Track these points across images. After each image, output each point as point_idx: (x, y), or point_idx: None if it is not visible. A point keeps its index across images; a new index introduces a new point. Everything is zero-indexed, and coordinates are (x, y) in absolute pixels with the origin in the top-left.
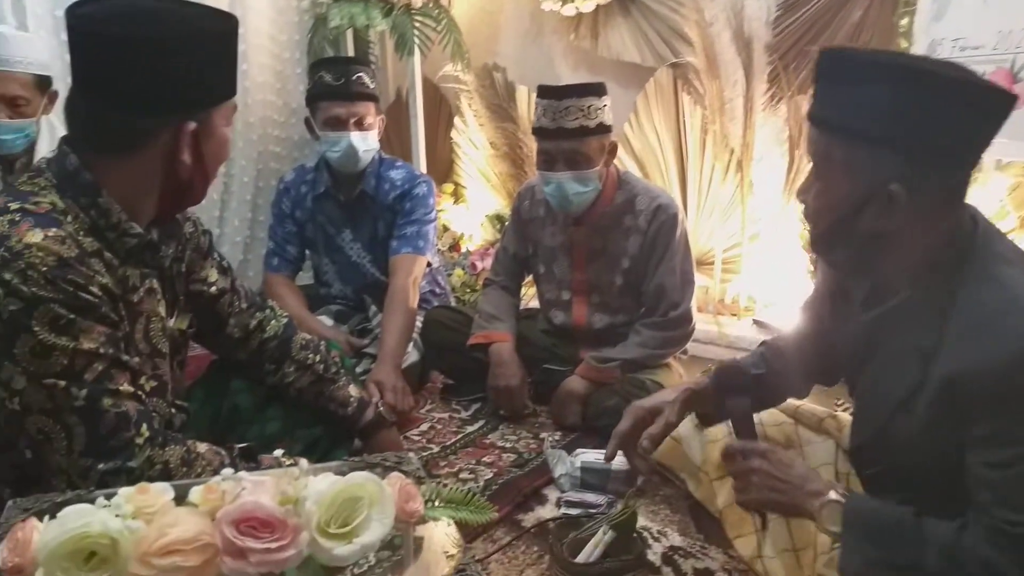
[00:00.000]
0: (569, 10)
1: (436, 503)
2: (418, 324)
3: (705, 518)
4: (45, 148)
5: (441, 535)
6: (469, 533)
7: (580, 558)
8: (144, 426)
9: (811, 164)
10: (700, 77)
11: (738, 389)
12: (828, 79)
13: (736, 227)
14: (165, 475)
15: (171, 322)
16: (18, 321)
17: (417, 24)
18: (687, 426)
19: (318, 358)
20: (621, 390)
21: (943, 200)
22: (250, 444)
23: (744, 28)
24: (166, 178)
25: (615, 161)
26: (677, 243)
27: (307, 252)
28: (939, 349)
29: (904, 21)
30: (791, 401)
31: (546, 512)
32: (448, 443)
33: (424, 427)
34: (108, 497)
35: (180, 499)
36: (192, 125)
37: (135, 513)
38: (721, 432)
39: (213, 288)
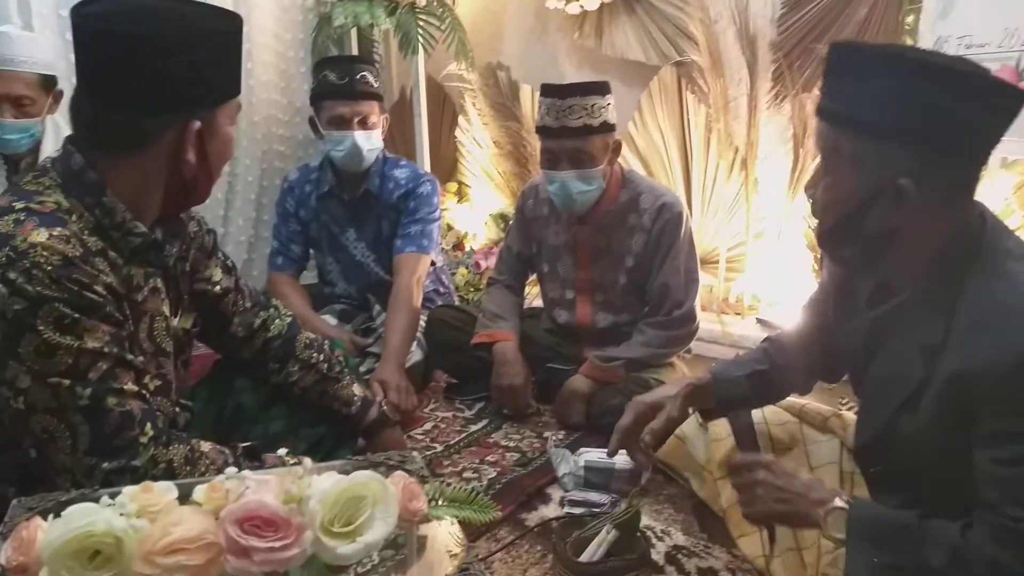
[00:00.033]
0: (573, 8)
1: (439, 502)
2: (422, 323)
3: (709, 517)
4: (50, 148)
5: (444, 534)
6: (472, 532)
7: (583, 557)
8: (148, 425)
9: (820, 158)
10: (704, 75)
11: (738, 403)
12: (838, 73)
13: (740, 226)
14: (169, 474)
15: (175, 321)
16: (23, 320)
17: (421, 23)
18: (691, 425)
19: (322, 357)
20: (625, 389)
21: (952, 196)
22: (254, 443)
23: (749, 26)
24: (170, 177)
25: (619, 160)
26: (681, 242)
27: (311, 251)
28: (946, 345)
29: (910, 19)
30: (796, 400)
31: (550, 511)
32: (452, 442)
33: (428, 426)
34: (112, 496)
35: (184, 498)
36: (196, 124)
37: (139, 512)
38: (724, 431)
39: (217, 287)
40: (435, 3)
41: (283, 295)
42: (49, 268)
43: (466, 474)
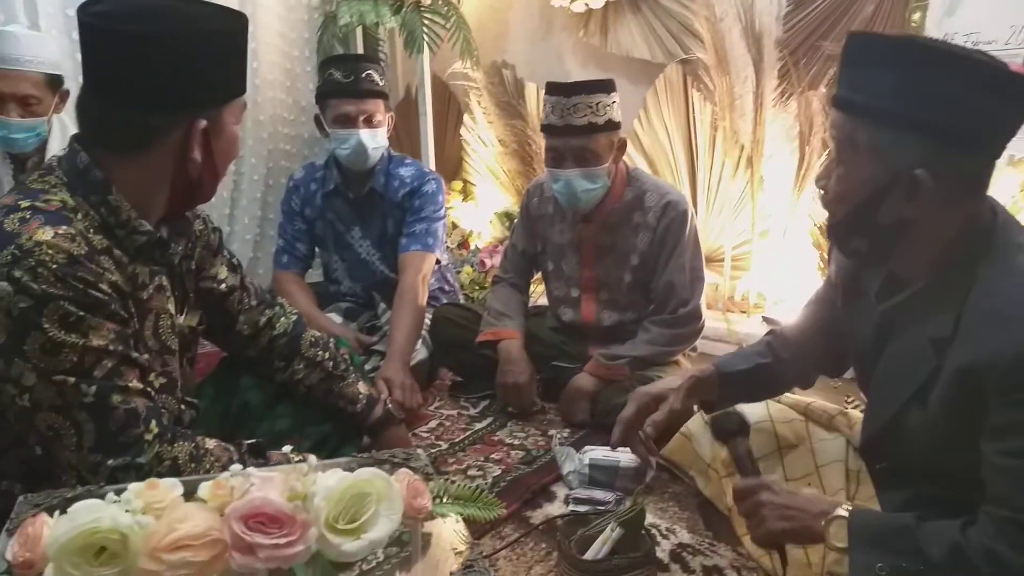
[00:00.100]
0: (578, 6)
1: (444, 499)
2: (427, 321)
3: (714, 515)
4: (57, 147)
5: (449, 531)
6: (477, 529)
7: (588, 555)
8: (153, 422)
9: (833, 149)
10: (710, 73)
11: (735, 431)
12: (855, 63)
13: (746, 224)
14: (174, 471)
15: (181, 319)
16: (28, 318)
17: (426, 21)
18: (697, 423)
19: (327, 355)
20: (630, 387)
21: (966, 188)
22: (259, 440)
23: (754, 24)
24: (176, 176)
25: (624, 158)
26: (687, 240)
27: (316, 249)
28: (955, 338)
29: (916, 16)
30: (802, 399)
31: (554, 509)
32: (456, 440)
33: (432, 424)
34: (118, 493)
35: (189, 495)
36: (202, 123)
37: (145, 509)
38: None
39: (223, 285)
40: (440, 2)
41: (288, 293)
42: (54, 266)
43: (471, 472)
